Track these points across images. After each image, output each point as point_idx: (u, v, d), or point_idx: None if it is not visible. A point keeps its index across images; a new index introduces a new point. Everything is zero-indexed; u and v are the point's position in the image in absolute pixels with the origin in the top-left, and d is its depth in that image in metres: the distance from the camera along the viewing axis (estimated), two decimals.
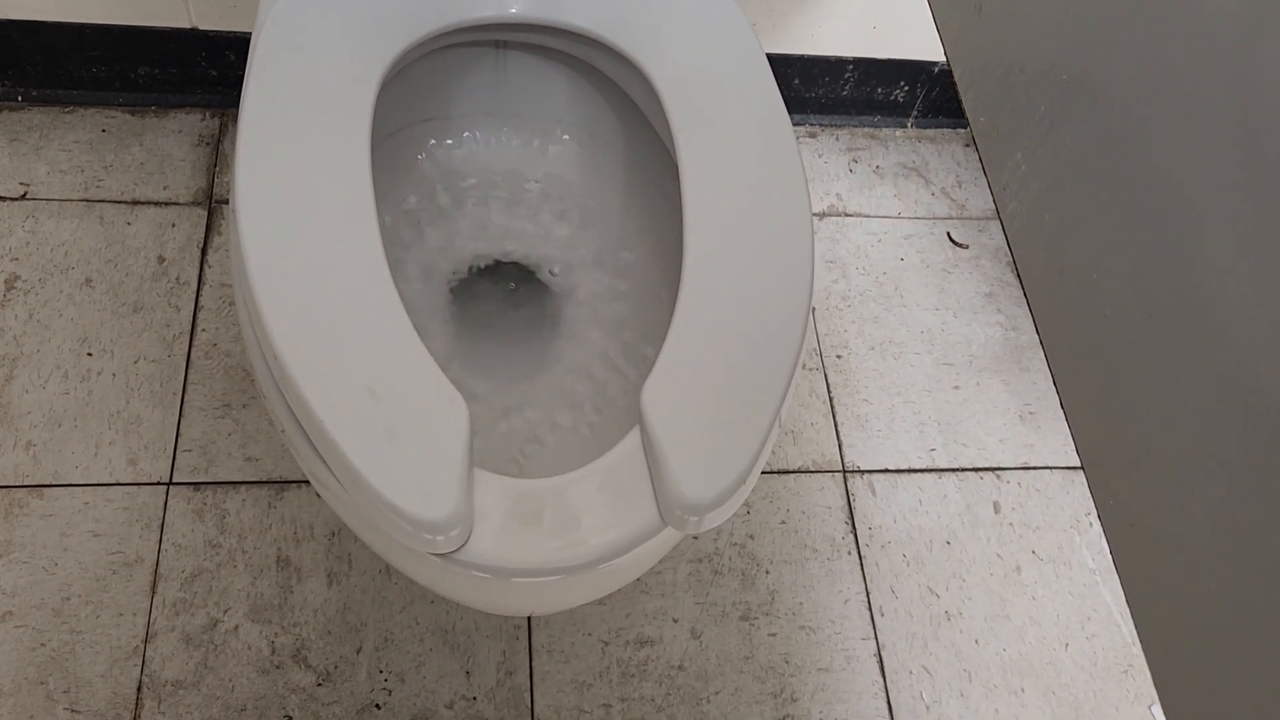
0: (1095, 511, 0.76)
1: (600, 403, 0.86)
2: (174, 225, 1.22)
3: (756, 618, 1.08)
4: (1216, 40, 0.42)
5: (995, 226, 1.43)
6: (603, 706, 1.01)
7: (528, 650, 1.02)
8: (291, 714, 0.97)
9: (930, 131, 1.52)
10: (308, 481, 1.06)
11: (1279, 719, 0.37)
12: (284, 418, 0.65)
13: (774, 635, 1.07)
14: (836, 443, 1.21)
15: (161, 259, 1.19)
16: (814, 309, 1.31)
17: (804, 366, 1.26)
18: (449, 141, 0.97)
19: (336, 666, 0.99)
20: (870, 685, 1.07)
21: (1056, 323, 0.52)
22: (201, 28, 1.25)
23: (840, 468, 1.19)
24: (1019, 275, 0.55)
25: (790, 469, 1.18)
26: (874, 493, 1.18)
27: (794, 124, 1.47)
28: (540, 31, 0.87)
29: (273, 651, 0.99)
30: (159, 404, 1.10)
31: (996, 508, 1.19)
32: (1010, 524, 1.19)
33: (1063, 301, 0.51)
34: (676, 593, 1.08)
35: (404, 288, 0.89)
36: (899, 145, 1.49)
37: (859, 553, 1.14)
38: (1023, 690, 1.09)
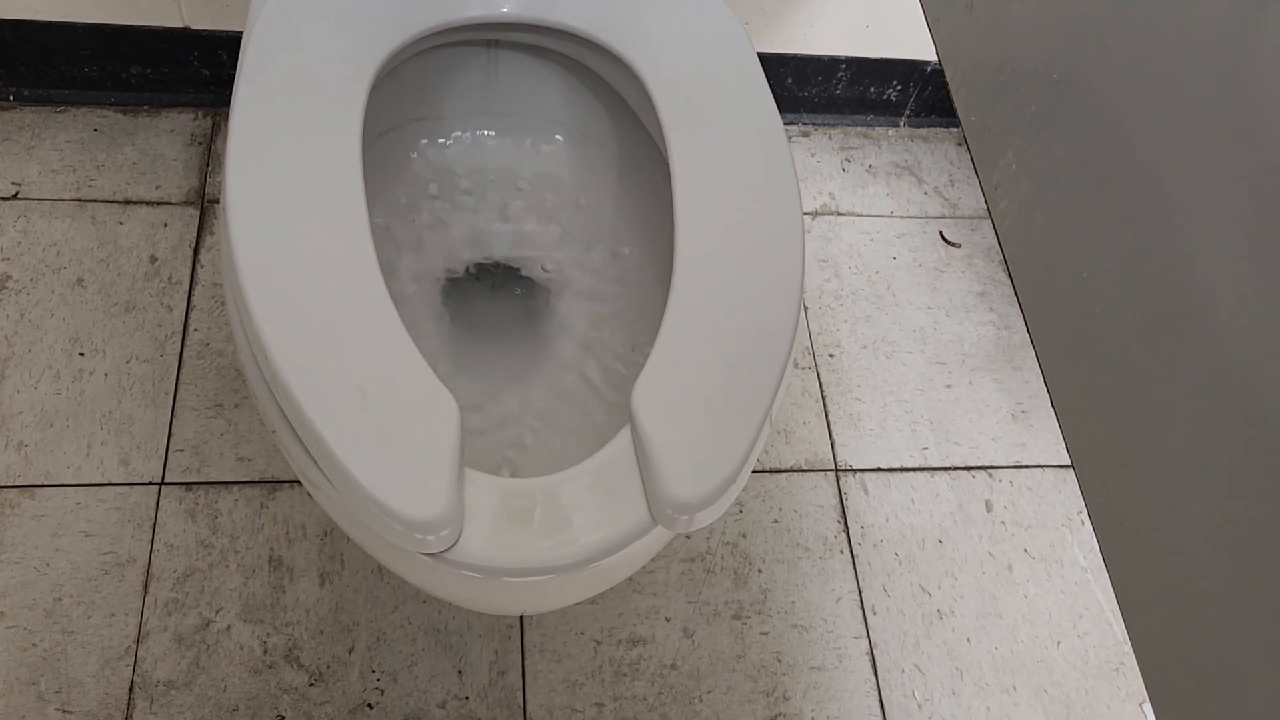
0: (1086, 510, 0.77)
1: (591, 402, 0.86)
2: (166, 225, 1.22)
3: (749, 616, 1.08)
4: (1207, 39, 0.42)
5: (987, 225, 1.43)
6: (595, 705, 1.01)
7: (520, 649, 1.02)
8: (284, 714, 0.97)
9: (923, 131, 1.52)
10: (300, 481, 1.06)
11: (1267, 716, 0.37)
12: (275, 418, 0.65)
13: (766, 634, 1.07)
14: (829, 441, 1.21)
15: (154, 259, 1.19)
16: (806, 308, 1.31)
17: (796, 365, 1.26)
18: (441, 141, 0.97)
19: (329, 666, 0.99)
20: (862, 684, 1.07)
21: (1047, 322, 0.52)
22: (194, 27, 1.24)
23: (833, 466, 1.19)
24: (1010, 274, 0.55)
25: (783, 468, 1.18)
26: (866, 491, 1.18)
27: (787, 123, 1.47)
28: (532, 31, 0.87)
29: (265, 651, 0.99)
30: (151, 404, 1.10)
31: (988, 506, 1.20)
32: (1002, 522, 1.19)
33: (1053, 300, 0.51)
34: (669, 592, 1.08)
35: (395, 287, 0.89)
36: (891, 144, 1.50)
37: (851, 551, 1.14)
38: (1014, 688, 1.09)
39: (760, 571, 1.11)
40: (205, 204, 1.25)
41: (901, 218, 1.42)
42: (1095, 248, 0.48)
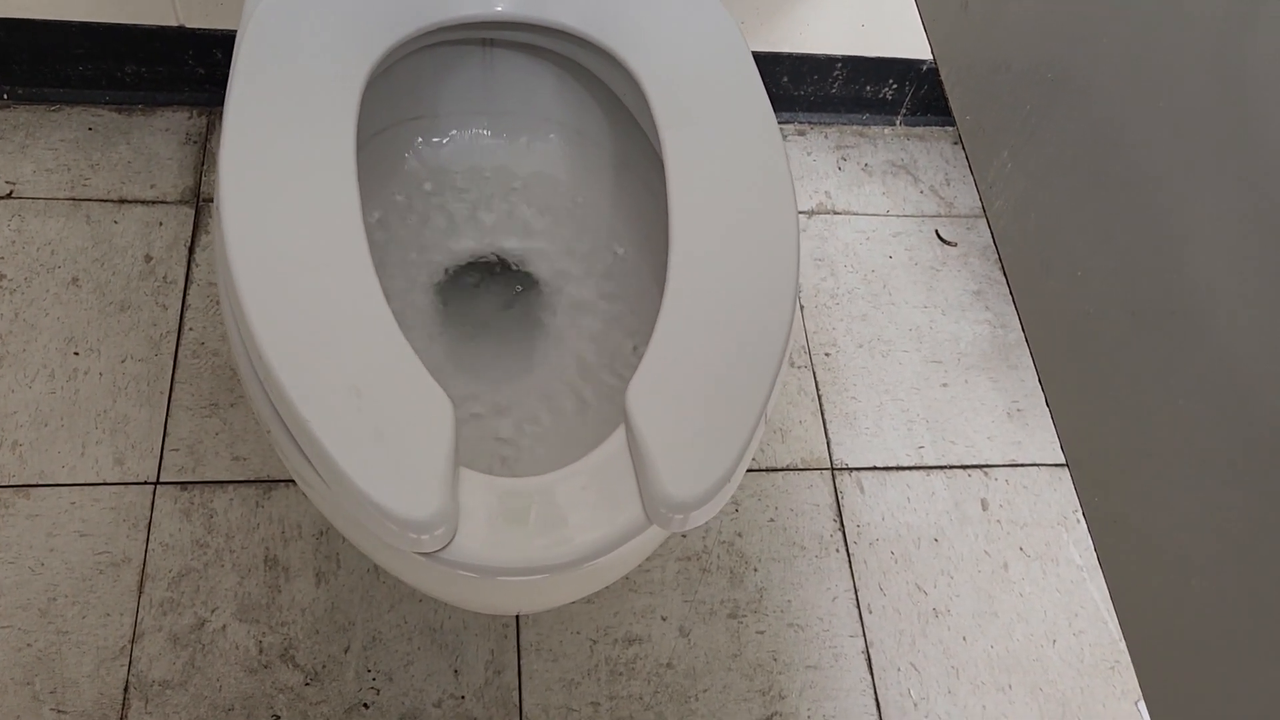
0: (1081, 509, 0.77)
1: (586, 401, 0.86)
2: (161, 224, 1.22)
3: (745, 615, 1.08)
4: (1200, 38, 0.42)
5: (983, 224, 1.43)
6: (591, 705, 1.01)
7: (516, 649, 1.02)
8: (279, 713, 0.97)
9: (919, 129, 1.52)
10: (295, 481, 1.06)
11: (1261, 714, 0.37)
12: (269, 417, 0.65)
13: (762, 633, 1.07)
14: (825, 440, 1.21)
15: (149, 258, 1.19)
16: (803, 307, 1.31)
17: (792, 364, 1.26)
18: (436, 139, 0.96)
19: (324, 666, 0.99)
20: (858, 682, 1.07)
21: (1042, 320, 0.52)
22: (189, 25, 1.24)
23: (829, 465, 1.19)
24: (1005, 273, 0.55)
25: (779, 467, 1.18)
26: (862, 490, 1.18)
27: (783, 122, 1.47)
28: (527, 30, 0.87)
29: (260, 651, 0.99)
30: (146, 403, 1.10)
31: (984, 505, 1.20)
32: (998, 521, 1.19)
33: (1048, 299, 0.51)
34: (665, 591, 1.08)
35: (390, 286, 0.89)
36: (887, 143, 1.50)
37: (847, 550, 1.14)
38: (1010, 687, 1.09)
39: (756, 570, 1.11)
40: (200, 203, 1.24)
41: (897, 216, 1.42)
42: (1090, 246, 0.48)
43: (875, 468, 1.20)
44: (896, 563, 1.14)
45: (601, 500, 0.62)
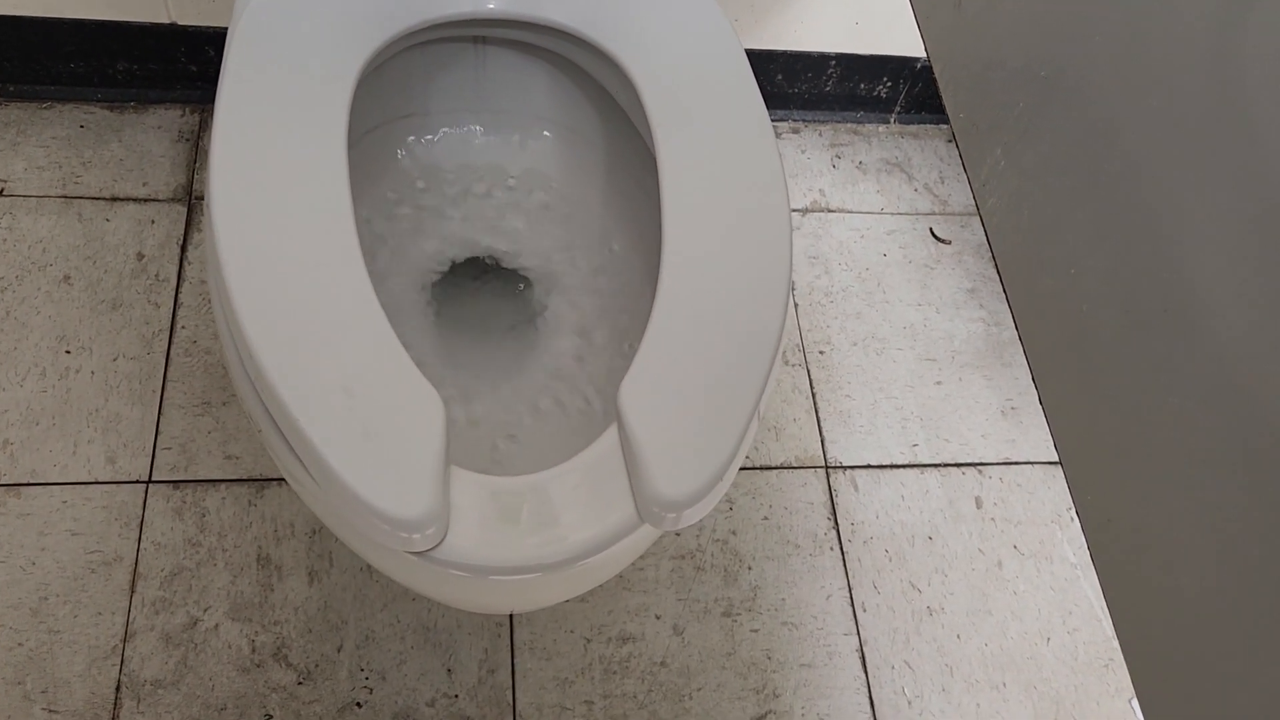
0: (1074, 507, 0.77)
1: (578, 400, 0.86)
2: (153, 222, 1.21)
3: (739, 614, 1.08)
4: (1193, 36, 0.42)
5: (977, 222, 1.43)
6: (585, 704, 1.01)
7: (509, 647, 1.02)
8: (272, 713, 0.96)
9: (913, 127, 1.52)
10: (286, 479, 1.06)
11: (1254, 712, 0.37)
12: (259, 416, 0.64)
13: (756, 631, 1.07)
14: (819, 438, 1.21)
15: (141, 256, 1.19)
16: (797, 305, 1.31)
17: (786, 362, 1.26)
18: (428, 137, 0.96)
19: (317, 665, 0.99)
20: (852, 681, 1.07)
21: (1036, 318, 0.52)
22: (180, 23, 1.24)
23: (823, 463, 1.19)
24: (998, 271, 0.55)
25: (773, 465, 1.18)
26: (856, 488, 1.18)
27: (777, 120, 1.47)
28: (519, 27, 0.87)
29: (253, 650, 0.99)
30: (138, 402, 1.09)
31: (978, 503, 1.20)
32: (992, 519, 1.19)
33: (1041, 297, 0.51)
34: (659, 589, 1.08)
35: (382, 285, 0.89)
36: (882, 141, 1.50)
37: (841, 548, 1.14)
38: (1004, 685, 1.09)
39: (750, 569, 1.11)
40: (193, 201, 1.24)
41: (892, 214, 1.42)
42: (1083, 244, 0.48)
43: (869, 466, 1.20)
44: (891, 561, 1.14)
45: (594, 499, 0.62)
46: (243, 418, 1.10)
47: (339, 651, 1.00)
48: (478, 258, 0.95)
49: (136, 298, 1.16)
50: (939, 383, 1.28)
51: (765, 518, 1.14)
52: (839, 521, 1.16)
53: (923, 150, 1.49)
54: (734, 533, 1.13)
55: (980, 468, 1.22)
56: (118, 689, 0.95)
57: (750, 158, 0.76)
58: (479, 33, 0.90)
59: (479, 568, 0.60)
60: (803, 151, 1.46)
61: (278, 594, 1.01)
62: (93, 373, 1.10)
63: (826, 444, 1.21)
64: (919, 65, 1.43)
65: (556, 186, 0.96)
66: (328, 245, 0.66)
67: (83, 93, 1.29)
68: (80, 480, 1.04)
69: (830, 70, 1.42)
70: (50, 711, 0.94)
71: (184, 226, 1.22)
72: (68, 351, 1.11)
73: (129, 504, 1.04)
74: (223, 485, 1.06)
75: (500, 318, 0.94)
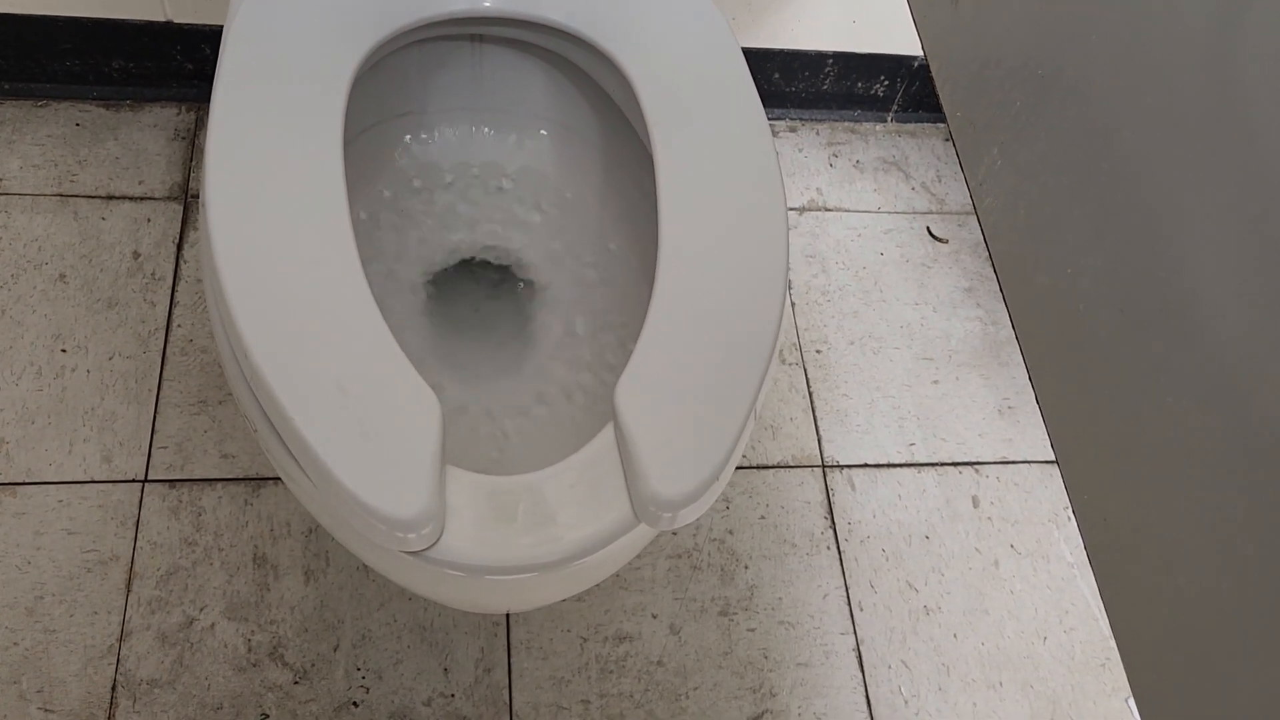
0: (1070, 506, 0.77)
1: (575, 398, 0.86)
2: (149, 220, 1.21)
3: (735, 613, 1.08)
4: (1191, 34, 0.42)
5: (975, 221, 1.43)
6: (581, 703, 1.01)
7: (506, 647, 1.02)
8: (268, 712, 0.96)
9: (910, 126, 1.52)
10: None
11: (1250, 712, 0.37)
12: (255, 416, 0.64)
13: (753, 630, 1.07)
14: (816, 438, 1.21)
15: (136, 254, 1.18)
16: (794, 304, 1.31)
17: (784, 361, 1.26)
18: (425, 136, 0.96)
19: (314, 664, 0.99)
20: (849, 680, 1.07)
21: (1032, 318, 0.52)
22: (176, 21, 1.24)
23: (820, 463, 1.19)
24: (995, 270, 0.55)
25: (770, 464, 1.18)
26: (853, 487, 1.18)
27: (774, 118, 1.47)
28: (516, 26, 0.86)
29: (249, 649, 0.98)
30: (134, 401, 1.09)
31: (975, 502, 1.20)
32: (989, 518, 1.19)
33: (1038, 297, 0.51)
34: (655, 588, 1.08)
35: (378, 284, 0.89)
36: (879, 140, 1.49)
37: (838, 548, 1.14)
38: (1001, 684, 1.09)
39: (747, 568, 1.11)
40: (189, 199, 1.24)
41: (889, 213, 1.41)
42: (1080, 244, 0.48)
43: (866, 465, 1.20)
44: (887, 560, 1.14)
45: (590, 498, 0.62)
46: (239, 417, 1.10)
47: (335, 651, 0.99)
48: (473, 256, 0.95)
49: (132, 296, 1.15)
50: (936, 382, 1.28)
51: (762, 517, 1.14)
52: (836, 521, 1.16)
53: (920, 149, 1.49)
54: (731, 532, 1.13)
55: (977, 467, 1.22)
56: (113, 688, 0.95)
57: (747, 156, 0.76)
58: (476, 31, 0.90)
59: (475, 567, 0.59)
60: (800, 150, 1.46)
61: (274, 593, 1.01)
62: (88, 371, 1.10)
63: (823, 443, 1.21)
64: (916, 64, 1.43)
65: (553, 185, 0.96)
66: (323, 244, 0.66)
67: (78, 91, 1.29)
68: (76, 479, 1.04)
69: (827, 69, 1.42)
70: (46, 711, 0.93)
71: (180, 225, 1.22)
72: (63, 350, 1.11)
73: (125, 503, 1.03)
74: (219, 484, 1.06)
75: (496, 317, 0.93)
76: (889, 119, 1.51)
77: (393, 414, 0.60)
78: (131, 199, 1.22)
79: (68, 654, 0.96)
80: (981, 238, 1.38)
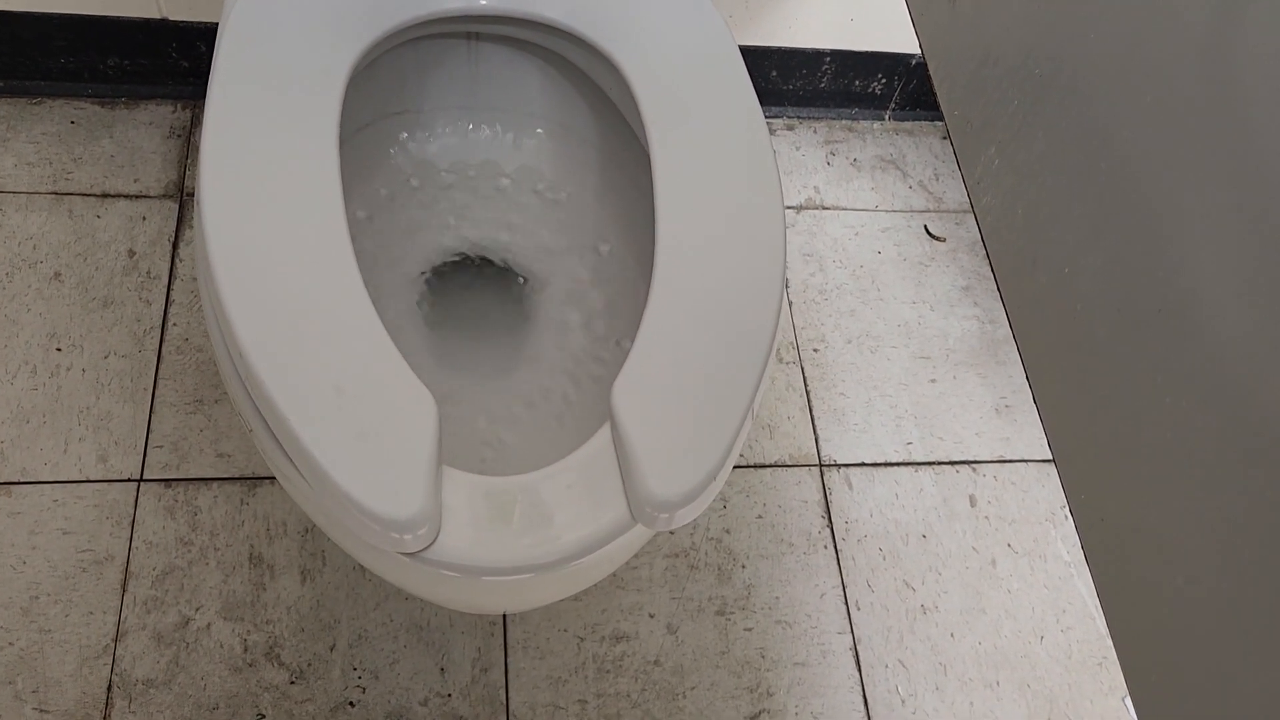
0: (1068, 506, 0.77)
1: (572, 398, 0.86)
2: (145, 218, 1.21)
3: (733, 612, 1.08)
4: (1188, 34, 0.42)
5: (972, 219, 1.43)
6: (578, 703, 1.01)
7: (503, 646, 1.02)
8: (264, 712, 0.96)
9: (908, 124, 1.51)
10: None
11: (1247, 711, 0.37)
12: (250, 415, 0.64)
13: (750, 630, 1.07)
14: (813, 436, 1.21)
15: (132, 253, 1.18)
16: (791, 302, 1.31)
17: (781, 360, 1.26)
18: (421, 135, 0.96)
19: (310, 664, 0.98)
20: (846, 679, 1.07)
21: (1030, 317, 0.52)
22: (171, 18, 1.23)
23: (817, 461, 1.19)
24: (992, 269, 0.55)
25: (767, 463, 1.18)
26: (850, 486, 1.18)
27: (771, 116, 1.47)
28: (513, 24, 0.86)
29: (245, 649, 0.98)
30: (129, 400, 1.09)
31: (972, 501, 1.20)
32: (986, 517, 1.19)
33: (1035, 296, 0.51)
34: (652, 588, 1.08)
35: (374, 283, 0.88)
36: (876, 138, 1.49)
37: (835, 547, 1.14)
38: (998, 683, 1.09)
39: (744, 567, 1.11)
40: (184, 197, 1.23)
41: (886, 212, 1.41)
42: (1077, 243, 0.47)
43: (863, 464, 1.20)
44: (885, 559, 1.14)
45: (587, 499, 0.62)
46: (234, 416, 1.10)
47: (331, 651, 0.99)
48: (470, 255, 0.94)
49: (128, 295, 1.15)
50: (933, 380, 1.28)
51: (759, 516, 1.14)
52: (833, 520, 1.16)
53: (917, 147, 1.49)
54: (728, 531, 1.12)
55: (974, 466, 1.22)
56: (109, 688, 0.95)
57: (744, 155, 0.76)
58: (472, 29, 0.90)
59: (471, 568, 0.59)
60: (797, 148, 1.46)
61: (270, 593, 1.01)
62: (84, 370, 1.10)
63: (820, 442, 1.21)
64: (914, 62, 1.43)
65: (550, 183, 0.96)
66: (319, 242, 0.66)
67: (73, 88, 1.29)
68: (71, 479, 1.04)
69: (825, 67, 1.42)
70: (41, 711, 0.93)
71: (175, 223, 1.21)
72: (58, 349, 1.10)
73: (120, 502, 1.03)
74: (214, 484, 1.06)
75: (493, 316, 0.93)
76: (886, 117, 1.51)
77: (389, 414, 0.60)
78: (127, 197, 1.22)
79: (63, 654, 0.96)
80: (979, 236, 1.38)
